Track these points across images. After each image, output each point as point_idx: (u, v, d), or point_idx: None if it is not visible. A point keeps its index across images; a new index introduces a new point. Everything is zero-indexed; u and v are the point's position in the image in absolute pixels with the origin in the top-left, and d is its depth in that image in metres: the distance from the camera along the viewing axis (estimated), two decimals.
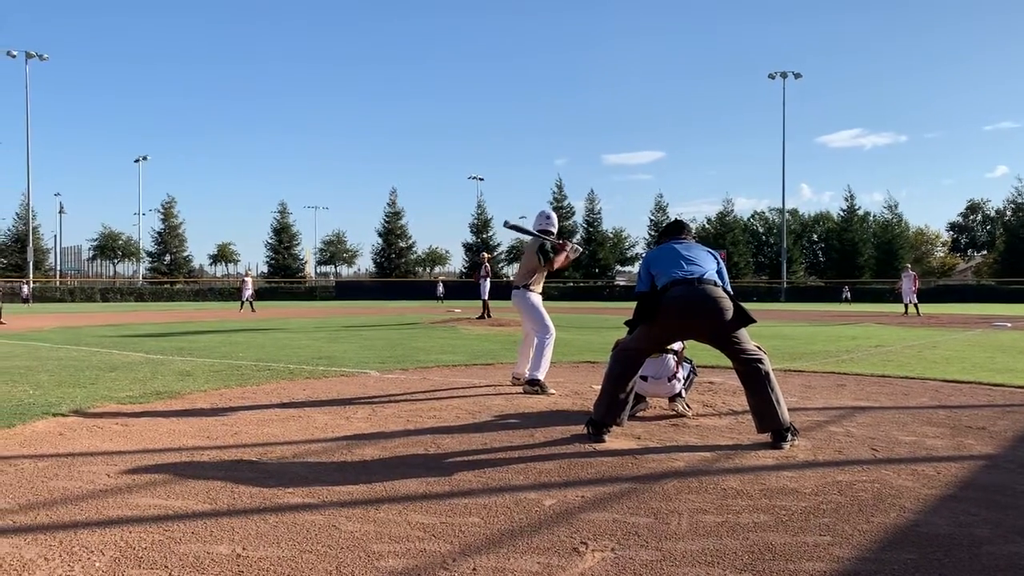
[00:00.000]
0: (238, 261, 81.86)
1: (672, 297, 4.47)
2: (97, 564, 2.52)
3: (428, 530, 2.88)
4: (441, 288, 50.00)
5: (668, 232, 5.08)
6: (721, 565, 2.53)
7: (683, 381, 5.44)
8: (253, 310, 30.04)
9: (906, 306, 25.83)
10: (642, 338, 4.68)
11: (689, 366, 5.57)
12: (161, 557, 2.58)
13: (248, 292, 31.09)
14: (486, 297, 20.81)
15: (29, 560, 2.55)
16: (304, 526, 2.92)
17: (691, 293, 4.46)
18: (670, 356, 5.32)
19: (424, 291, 57.73)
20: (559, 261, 6.64)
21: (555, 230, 6.83)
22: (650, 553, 2.64)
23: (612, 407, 4.56)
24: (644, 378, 5.13)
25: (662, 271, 4.65)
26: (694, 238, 5.12)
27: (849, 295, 50.41)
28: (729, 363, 4.59)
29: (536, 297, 6.70)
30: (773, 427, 4.37)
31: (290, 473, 3.74)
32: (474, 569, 2.50)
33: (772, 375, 4.45)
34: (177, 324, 19.53)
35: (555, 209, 75.04)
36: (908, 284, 25.90)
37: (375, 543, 2.73)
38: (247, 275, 36.89)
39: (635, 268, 61.34)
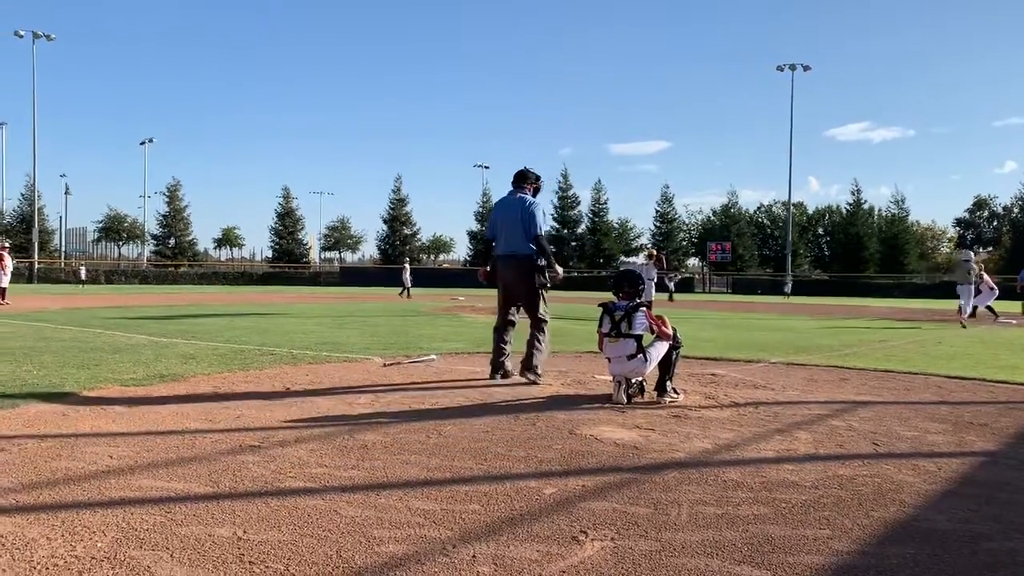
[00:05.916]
0: (242, 245, 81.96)
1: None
2: (99, 544, 2.53)
3: (428, 516, 2.89)
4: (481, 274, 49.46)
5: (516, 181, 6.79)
6: (720, 556, 2.54)
7: (649, 362, 5.41)
8: (409, 296, 30.79)
9: (974, 308, 20.01)
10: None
11: (668, 344, 5.53)
12: (162, 539, 2.59)
13: (407, 277, 32.47)
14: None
15: (31, 539, 2.56)
16: (305, 510, 2.93)
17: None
18: (630, 340, 5.38)
19: (428, 278, 57.60)
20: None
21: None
22: (649, 543, 2.65)
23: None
24: (609, 359, 5.48)
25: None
26: (534, 187, 6.69)
27: (789, 288, 47.97)
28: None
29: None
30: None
31: (291, 457, 3.75)
32: (473, 556, 2.50)
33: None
34: (181, 307, 19.57)
35: (560, 199, 74.76)
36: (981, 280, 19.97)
37: (375, 528, 2.74)
38: (406, 262, 37.12)
39: (639, 259, 60.61)
